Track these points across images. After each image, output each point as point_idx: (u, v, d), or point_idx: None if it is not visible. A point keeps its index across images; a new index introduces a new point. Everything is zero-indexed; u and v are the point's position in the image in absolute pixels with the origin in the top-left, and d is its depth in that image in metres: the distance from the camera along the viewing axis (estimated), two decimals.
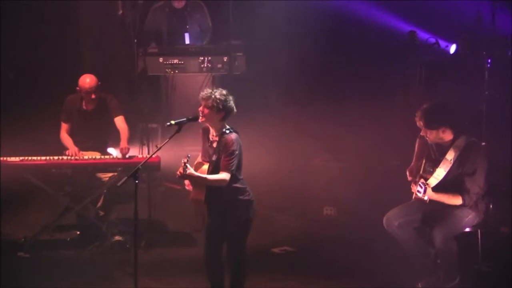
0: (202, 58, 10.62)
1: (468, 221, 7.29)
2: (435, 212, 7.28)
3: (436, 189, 7.24)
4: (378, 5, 10.70)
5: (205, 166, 6.60)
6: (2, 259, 7.96)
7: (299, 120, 10.95)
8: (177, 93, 10.73)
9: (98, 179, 8.46)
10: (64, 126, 8.66)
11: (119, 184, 6.44)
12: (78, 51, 11.13)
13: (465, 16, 9.89)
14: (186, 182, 6.77)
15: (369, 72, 10.55)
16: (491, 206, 7.59)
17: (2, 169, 8.01)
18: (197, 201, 6.63)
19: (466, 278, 7.34)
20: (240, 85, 10.10)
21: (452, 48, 9.96)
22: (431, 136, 7.26)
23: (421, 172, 7.40)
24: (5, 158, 8.13)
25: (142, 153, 9.03)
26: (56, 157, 8.25)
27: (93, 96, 8.51)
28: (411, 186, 7.45)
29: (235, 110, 6.58)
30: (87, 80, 8.51)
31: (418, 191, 7.31)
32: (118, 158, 8.37)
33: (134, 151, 8.78)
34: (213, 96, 6.49)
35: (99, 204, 8.54)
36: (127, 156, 8.36)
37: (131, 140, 8.77)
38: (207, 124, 6.63)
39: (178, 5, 10.98)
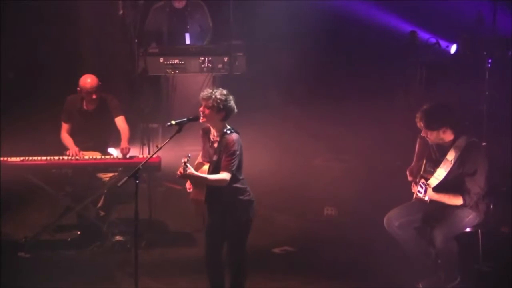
0: (202, 58, 10.62)
1: (468, 221, 7.30)
2: (435, 212, 7.28)
3: (436, 189, 7.25)
4: (378, 5, 10.70)
5: (206, 166, 6.60)
6: (3, 259, 7.96)
7: (300, 120, 10.95)
8: (178, 93, 10.72)
9: (98, 179, 8.46)
10: (65, 126, 8.66)
11: (119, 184, 6.45)
12: (78, 51, 11.14)
13: (466, 16, 9.89)
14: (187, 185, 6.77)
15: (370, 72, 10.54)
16: (491, 206, 7.60)
17: (3, 169, 8.01)
18: (197, 201, 6.63)
19: (466, 278, 7.34)
20: (240, 85, 10.10)
21: (453, 48, 9.96)
22: (431, 136, 7.26)
23: (421, 172, 7.40)
24: (5, 158, 8.13)
25: (142, 153, 9.03)
26: (56, 157, 8.25)
27: (94, 96, 8.51)
28: (412, 186, 7.45)
29: (235, 110, 6.58)
30: (88, 80, 8.52)
31: (418, 191, 7.31)
32: (119, 158, 8.38)
33: (134, 151, 8.78)
34: (213, 96, 6.49)
35: (99, 204, 8.54)
36: (127, 156, 8.36)
37: (131, 140, 8.78)
38: (208, 125, 6.63)
39: (178, 5, 10.98)
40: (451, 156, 7.24)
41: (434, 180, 7.27)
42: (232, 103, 6.55)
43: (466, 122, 8.68)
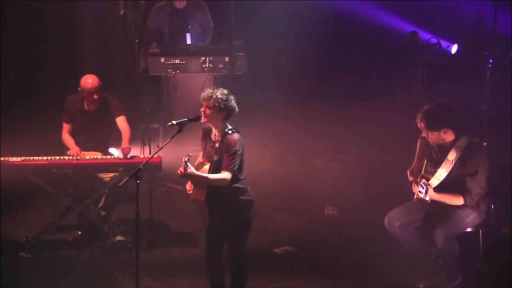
0: (203, 58, 10.61)
1: (469, 221, 7.30)
2: (436, 212, 7.28)
3: (437, 189, 7.25)
4: (379, 5, 10.69)
5: (206, 166, 6.60)
6: (3, 259, 7.96)
7: (300, 120, 10.95)
8: (179, 93, 10.72)
9: (99, 179, 8.46)
10: (66, 126, 8.66)
11: (120, 184, 6.45)
12: (79, 51, 11.14)
13: (467, 16, 9.88)
14: (187, 187, 6.77)
15: (370, 72, 10.53)
16: (492, 206, 7.60)
17: (4, 169, 8.01)
18: (197, 201, 6.63)
19: (467, 278, 7.34)
20: (241, 85, 10.10)
21: (454, 48, 9.95)
22: (432, 137, 7.26)
23: (422, 172, 7.40)
24: (6, 158, 8.14)
25: (143, 153, 9.04)
26: (57, 157, 8.26)
27: (95, 96, 8.52)
28: (413, 187, 7.45)
29: (237, 109, 6.58)
30: (89, 81, 8.52)
31: (419, 191, 7.31)
32: (120, 158, 8.38)
33: (135, 151, 8.79)
34: (214, 96, 6.49)
35: (100, 204, 8.54)
36: (128, 156, 8.36)
37: (132, 140, 8.77)
38: (209, 125, 6.62)
39: (179, 5, 10.97)
40: (452, 156, 7.24)
41: (435, 180, 7.26)
42: (233, 102, 6.55)
43: (467, 122, 8.69)
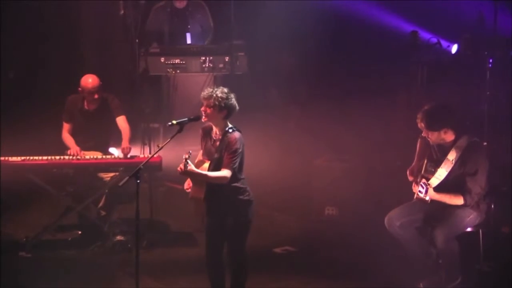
0: (203, 58, 10.61)
1: (469, 221, 7.29)
2: (436, 212, 7.28)
3: (437, 189, 7.24)
4: (379, 5, 10.69)
5: (206, 164, 6.59)
6: (3, 259, 7.96)
7: (300, 120, 10.95)
8: (179, 93, 10.72)
9: (99, 179, 8.46)
10: (66, 126, 8.66)
11: (120, 184, 6.44)
12: (79, 51, 11.14)
13: (467, 16, 9.89)
14: (186, 186, 6.76)
15: (371, 72, 10.53)
16: (492, 206, 7.60)
17: (4, 169, 8.01)
18: (196, 199, 6.62)
19: (467, 278, 7.33)
20: (241, 85, 10.09)
21: (454, 48, 9.95)
22: (432, 137, 7.26)
23: (422, 172, 7.39)
24: (6, 158, 8.14)
25: (143, 153, 9.04)
26: (57, 157, 8.26)
27: (95, 96, 8.52)
28: (413, 186, 7.44)
29: (237, 107, 6.58)
30: (90, 80, 8.52)
31: (419, 191, 7.30)
32: (120, 158, 8.38)
33: (135, 151, 8.79)
34: (214, 95, 6.49)
35: (100, 204, 8.54)
36: (128, 156, 8.36)
37: (132, 140, 8.77)
38: (209, 123, 6.62)
39: (179, 5, 10.97)
40: (452, 156, 7.24)
41: (435, 180, 7.26)
42: (233, 101, 6.55)
43: (467, 122, 8.69)
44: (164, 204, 9.52)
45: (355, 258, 8.11)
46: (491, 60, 9.01)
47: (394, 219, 7.35)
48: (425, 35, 10.04)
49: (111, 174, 8.40)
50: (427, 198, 7.25)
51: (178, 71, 10.60)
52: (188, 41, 10.96)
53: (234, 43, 10.61)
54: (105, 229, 8.40)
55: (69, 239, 8.61)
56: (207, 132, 6.69)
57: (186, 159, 6.31)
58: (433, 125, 7.21)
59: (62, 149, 8.50)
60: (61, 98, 8.84)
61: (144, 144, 9.39)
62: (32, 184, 8.25)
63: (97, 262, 8.07)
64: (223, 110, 6.50)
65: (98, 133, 8.68)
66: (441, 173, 7.24)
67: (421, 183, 7.28)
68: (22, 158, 8.16)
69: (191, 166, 6.36)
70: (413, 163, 7.52)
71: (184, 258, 8.18)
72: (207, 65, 10.62)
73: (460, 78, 9.52)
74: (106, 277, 7.72)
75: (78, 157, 8.30)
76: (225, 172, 6.46)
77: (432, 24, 10.19)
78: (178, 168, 6.38)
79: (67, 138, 8.59)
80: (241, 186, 6.59)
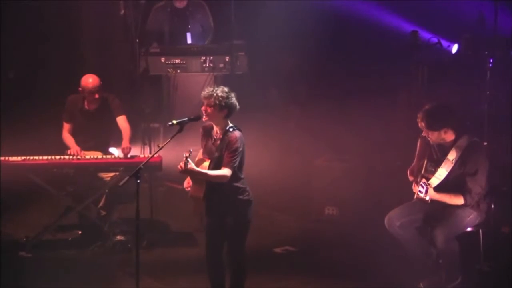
0: (204, 57, 10.61)
1: (469, 221, 7.29)
2: (436, 212, 7.28)
3: (437, 189, 7.24)
4: (380, 5, 10.69)
5: (206, 163, 6.59)
6: (3, 259, 7.96)
7: (300, 120, 10.95)
8: (179, 93, 10.71)
9: (100, 178, 8.46)
10: (66, 126, 8.66)
11: (121, 183, 6.44)
12: (79, 51, 11.13)
13: (467, 16, 9.88)
14: (185, 184, 6.76)
15: (371, 72, 10.53)
16: (492, 206, 7.60)
17: (4, 169, 8.01)
18: (195, 198, 6.62)
19: (467, 278, 7.33)
20: (241, 84, 10.09)
21: (454, 48, 9.95)
22: (433, 137, 7.26)
23: (422, 172, 7.39)
24: (6, 158, 8.14)
25: (144, 153, 9.05)
26: (58, 157, 8.26)
27: (96, 96, 8.52)
28: (413, 186, 7.44)
29: (238, 106, 6.58)
30: (90, 80, 8.52)
31: (419, 191, 7.30)
32: (120, 158, 8.38)
33: (136, 151, 8.80)
34: (214, 94, 6.49)
35: (100, 204, 8.55)
36: (129, 155, 8.36)
37: (133, 139, 8.77)
38: (210, 122, 6.63)
39: (180, 5, 10.97)
40: (452, 156, 7.24)
41: (435, 180, 7.26)
42: (234, 100, 6.55)
43: (467, 122, 8.69)
44: (164, 204, 9.52)
45: (355, 258, 8.11)
46: (491, 60, 9.01)
47: (394, 219, 7.35)
48: (425, 35, 10.03)
49: (111, 174, 8.40)
50: (427, 198, 7.25)
51: (178, 71, 10.60)
52: (189, 41, 10.96)
53: (234, 43, 10.61)
54: (105, 229, 8.41)
55: (69, 239, 8.61)
56: (207, 131, 6.69)
57: (186, 157, 6.31)
58: (433, 125, 7.21)
59: (62, 149, 8.50)
60: (61, 98, 8.84)
61: (144, 144, 9.39)
62: (32, 184, 8.25)
63: (97, 262, 8.07)
64: (223, 109, 6.50)
65: (98, 133, 8.68)
66: (441, 173, 7.24)
67: (421, 183, 7.28)
68: (22, 158, 8.16)
69: (191, 165, 6.36)
70: (413, 163, 7.52)
71: (184, 258, 8.18)
72: (207, 65, 10.62)
73: (460, 78, 9.52)
74: (106, 277, 7.72)
75: (78, 157, 8.30)
76: (225, 171, 6.46)
77: (433, 24, 10.18)
78: (179, 166, 6.38)
79: (67, 138, 8.59)
80: (241, 186, 6.59)
